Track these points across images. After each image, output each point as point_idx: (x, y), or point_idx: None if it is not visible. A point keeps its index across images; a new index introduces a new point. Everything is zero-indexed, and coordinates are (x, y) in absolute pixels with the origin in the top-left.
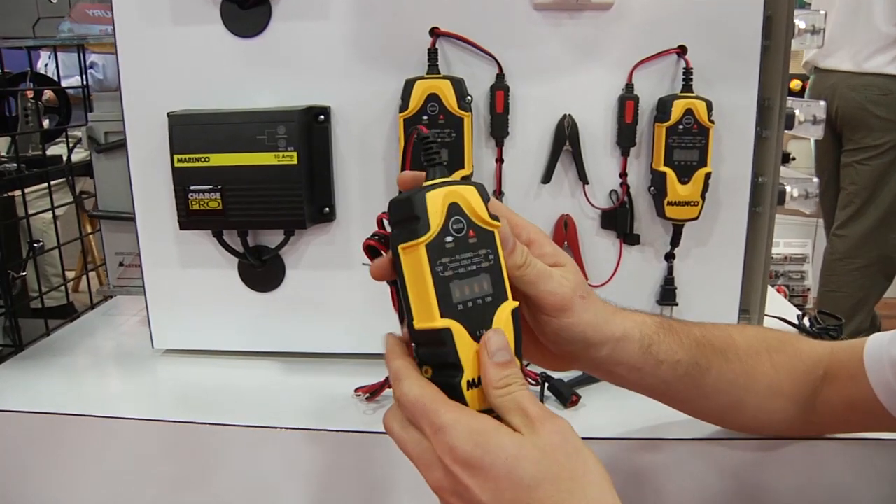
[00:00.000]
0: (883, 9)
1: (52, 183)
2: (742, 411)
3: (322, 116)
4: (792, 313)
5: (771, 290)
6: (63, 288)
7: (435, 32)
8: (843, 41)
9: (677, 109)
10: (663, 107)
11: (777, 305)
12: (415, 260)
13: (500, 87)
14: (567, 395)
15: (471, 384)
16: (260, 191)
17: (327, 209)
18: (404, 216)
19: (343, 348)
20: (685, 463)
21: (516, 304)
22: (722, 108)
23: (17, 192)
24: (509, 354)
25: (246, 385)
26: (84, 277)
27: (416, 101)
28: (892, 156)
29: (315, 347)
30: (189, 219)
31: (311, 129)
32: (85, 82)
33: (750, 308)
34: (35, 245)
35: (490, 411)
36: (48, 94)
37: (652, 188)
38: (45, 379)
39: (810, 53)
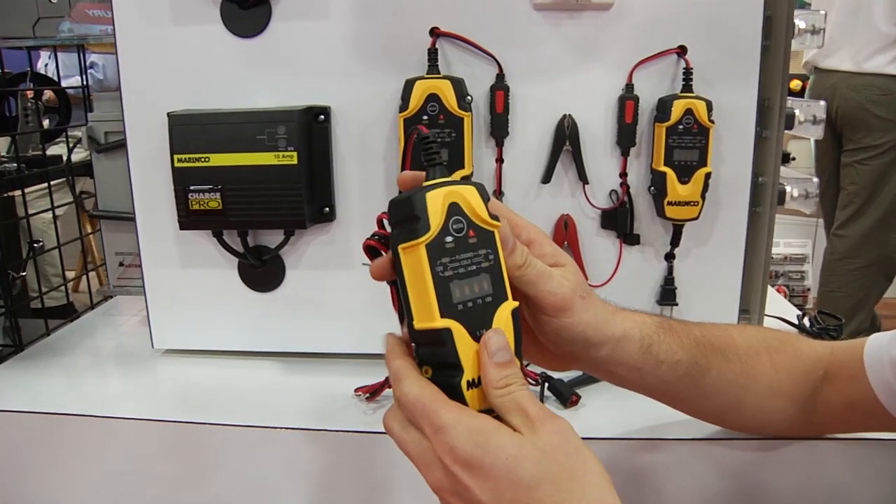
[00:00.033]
0: (883, 9)
1: (52, 183)
2: (742, 411)
3: (322, 116)
4: (792, 313)
5: (771, 291)
6: (63, 288)
7: (435, 32)
8: (843, 41)
9: (677, 109)
10: (663, 107)
11: (777, 305)
12: (415, 260)
13: (500, 87)
14: (567, 396)
15: (471, 384)
16: (260, 191)
17: (327, 209)
18: (404, 216)
19: (343, 348)
20: (685, 463)
21: (516, 304)
22: (722, 108)
23: (17, 192)
24: (509, 354)
25: (246, 385)
26: (84, 277)
27: (416, 101)
28: (892, 156)
29: (315, 347)
30: (189, 219)
31: (311, 129)
32: (85, 82)
33: (750, 308)
34: (35, 245)
35: (490, 411)
36: (48, 94)
37: (652, 188)
38: (45, 379)
39: (810, 53)
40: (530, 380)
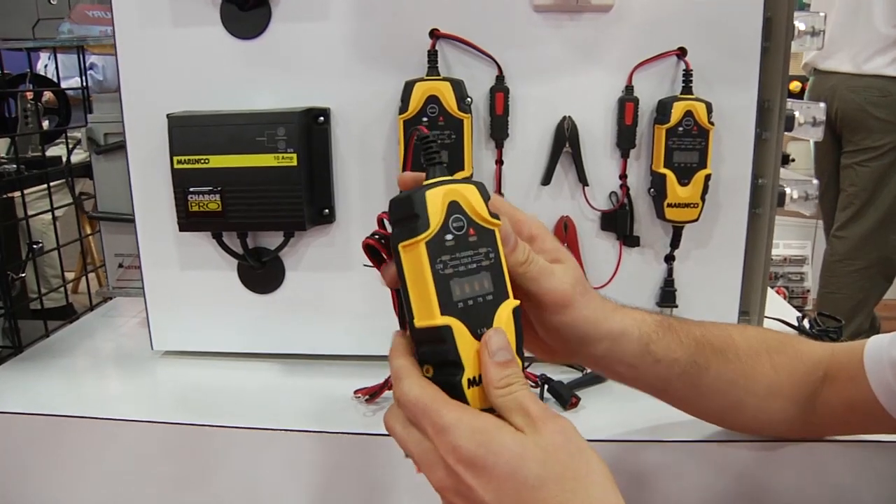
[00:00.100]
0: (882, 10)
1: (51, 184)
2: (741, 411)
3: (322, 118)
4: (792, 315)
5: (770, 292)
6: (62, 289)
7: (435, 34)
8: (842, 43)
9: (677, 111)
10: (663, 108)
11: (777, 307)
12: (415, 257)
13: (499, 89)
14: (567, 397)
15: (472, 382)
16: (259, 192)
17: (327, 211)
18: (404, 214)
19: (343, 350)
20: (685, 465)
21: (517, 302)
22: (722, 110)
23: (17, 194)
24: (510, 354)
25: (245, 387)
26: (83, 279)
27: (415, 102)
28: (892, 157)
29: (315, 349)
30: (188, 220)
31: (311, 130)
32: (84, 83)
33: (750, 309)
34: (34, 246)
35: (491, 410)
36: (48, 95)
37: (652, 190)
38: (44, 380)
39: (810, 55)
40: (529, 381)
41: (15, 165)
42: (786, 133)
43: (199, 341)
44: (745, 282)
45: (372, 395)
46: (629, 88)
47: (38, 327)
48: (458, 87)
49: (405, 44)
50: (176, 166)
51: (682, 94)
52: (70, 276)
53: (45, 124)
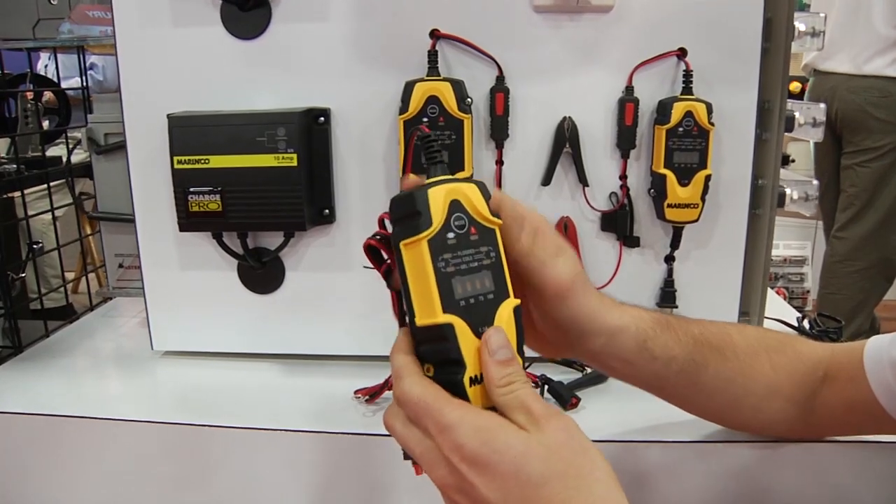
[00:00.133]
0: (882, 11)
1: (51, 184)
2: (740, 410)
3: (322, 118)
4: (792, 315)
5: (770, 293)
6: (62, 289)
7: (435, 34)
8: (842, 43)
9: (677, 111)
10: (663, 109)
11: (777, 307)
12: (416, 255)
13: (500, 90)
14: (567, 398)
15: (473, 381)
16: (260, 193)
17: (327, 211)
18: (406, 212)
19: (343, 350)
20: (685, 465)
21: (518, 301)
22: (722, 111)
23: (17, 194)
24: (511, 352)
25: (245, 387)
26: (83, 279)
27: (416, 103)
28: (892, 158)
29: (315, 349)
30: (189, 220)
31: (311, 130)
32: (85, 83)
33: (750, 310)
34: (34, 246)
35: (493, 409)
36: (48, 95)
37: (652, 190)
38: (44, 380)
39: (810, 56)
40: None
41: (15, 165)
42: (786, 134)
43: (199, 341)
44: (745, 282)
45: (372, 395)
46: (629, 89)
47: (38, 327)
48: (459, 88)
49: (405, 44)
50: (176, 166)
51: (682, 94)
52: (70, 276)
53: (46, 124)
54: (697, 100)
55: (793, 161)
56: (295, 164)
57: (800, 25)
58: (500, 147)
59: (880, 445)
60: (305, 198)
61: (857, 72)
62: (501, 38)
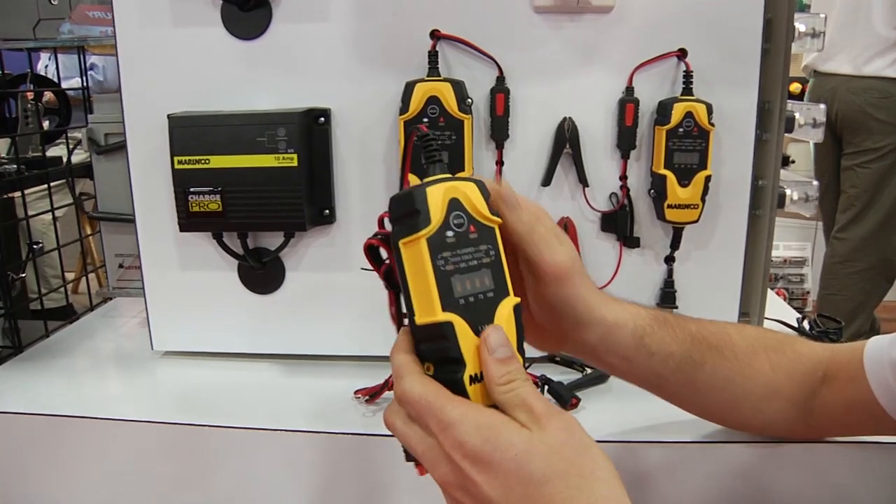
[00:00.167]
0: (882, 12)
1: (51, 184)
2: (739, 410)
3: (322, 118)
4: (792, 316)
5: (770, 293)
6: (62, 289)
7: (435, 35)
8: (842, 44)
9: (677, 112)
10: (663, 109)
11: (777, 308)
12: (416, 254)
13: (500, 90)
14: (567, 398)
15: (473, 379)
16: (260, 193)
17: (327, 211)
18: (405, 211)
19: (343, 350)
20: (685, 465)
21: (517, 299)
22: (722, 111)
23: (17, 194)
24: (510, 350)
25: (245, 387)
26: (84, 279)
27: (416, 103)
28: (893, 159)
29: (315, 349)
30: (189, 220)
31: (312, 131)
32: (85, 84)
33: (750, 311)
34: (35, 246)
35: (493, 407)
36: (48, 95)
37: (652, 191)
38: (44, 380)
39: (810, 57)
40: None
41: (15, 165)
42: (786, 134)
43: (199, 341)
44: (745, 283)
45: (372, 395)
46: (629, 89)
47: (38, 327)
48: (459, 88)
49: (406, 44)
50: (176, 166)
51: (682, 95)
52: (70, 276)
53: (46, 124)
54: (698, 100)
55: (793, 162)
56: (295, 164)
57: (800, 26)
58: (500, 147)
59: (880, 446)
60: (306, 198)
61: (857, 73)
62: (502, 38)
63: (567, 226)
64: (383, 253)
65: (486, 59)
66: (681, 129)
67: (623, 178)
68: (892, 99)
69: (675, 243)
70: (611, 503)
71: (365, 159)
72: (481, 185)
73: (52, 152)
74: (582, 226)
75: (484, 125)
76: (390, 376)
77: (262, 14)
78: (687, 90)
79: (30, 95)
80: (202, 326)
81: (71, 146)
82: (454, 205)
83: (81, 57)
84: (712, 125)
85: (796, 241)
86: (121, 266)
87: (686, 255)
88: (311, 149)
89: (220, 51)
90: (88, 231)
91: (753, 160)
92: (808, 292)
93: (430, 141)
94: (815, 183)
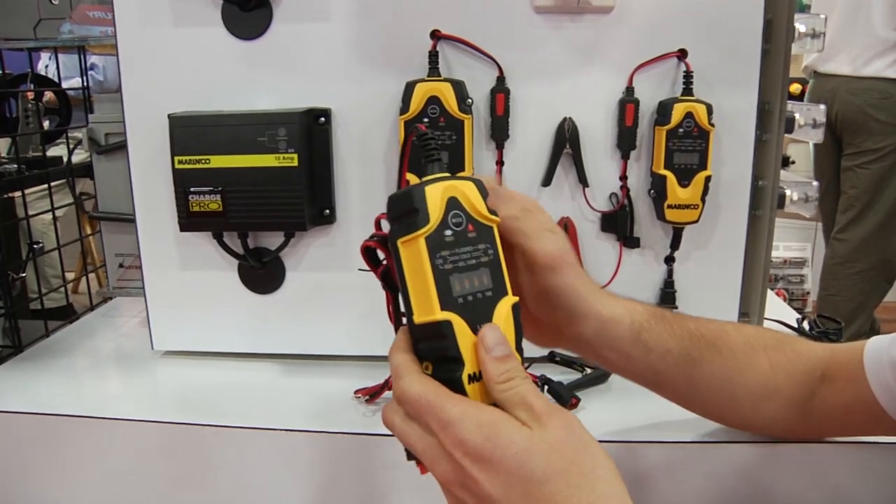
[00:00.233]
0: (881, 13)
1: (52, 184)
2: (738, 408)
3: (323, 118)
4: (791, 317)
5: (770, 294)
6: (63, 289)
7: (436, 35)
8: (842, 45)
9: (677, 112)
10: (663, 110)
11: (776, 309)
12: (414, 253)
13: (500, 90)
14: (567, 398)
15: (472, 378)
16: (260, 193)
17: (327, 211)
18: (403, 210)
19: (343, 350)
20: (685, 465)
21: (516, 298)
22: (722, 112)
23: (18, 194)
24: (508, 348)
25: (245, 387)
26: (84, 279)
27: (416, 103)
28: (893, 159)
29: (315, 349)
30: (189, 220)
31: (312, 131)
32: (85, 84)
33: (749, 311)
34: (35, 246)
35: (493, 405)
36: (48, 95)
37: (652, 191)
38: (44, 380)
39: (810, 57)
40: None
41: (16, 165)
42: (786, 135)
43: (200, 341)
44: (744, 283)
45: (372, 395)
46: (630, 90)
47: (38, 327)
48: (459, 88)
49: (406, 45)
50: (177, 166)
51: (682, 95)
52: (70, 276)
53: (46, 124)
54: (698, 101)
55: (793, 162)
56: (295, 164)
57: (800, 27)
58: (500, 148)
59: (880, 446)
60: (306, 198)
61: (856, 74)
62: (502, 38)
63: (567, 226)
64: (381, 254)
65: (487, 59)
66: (681, 130)
67: (623, 178)
68: (891, 100)
69: (675, 243)
70: (612, 501)
71: (365, 159)
72: (480, 185)
73: (52, 152)
74: (582, 226)
75: (484, 125)
76: (390, 376)
77: (263, 14)
78: (687, 90)
79: (30, 95)
80: (202, 326)
81: (71, 146)
82: (453, 204)
83: (82, 57)
84: (712, 125)
85: (796, 242)
86: (121, 266)
87: (686, 256)
88: (311, 149)
89: (221, 51)
90: (88, 231)
91: (753, 160)
92: (807, 293)
93: (429, 140)
94: (815, 183)
